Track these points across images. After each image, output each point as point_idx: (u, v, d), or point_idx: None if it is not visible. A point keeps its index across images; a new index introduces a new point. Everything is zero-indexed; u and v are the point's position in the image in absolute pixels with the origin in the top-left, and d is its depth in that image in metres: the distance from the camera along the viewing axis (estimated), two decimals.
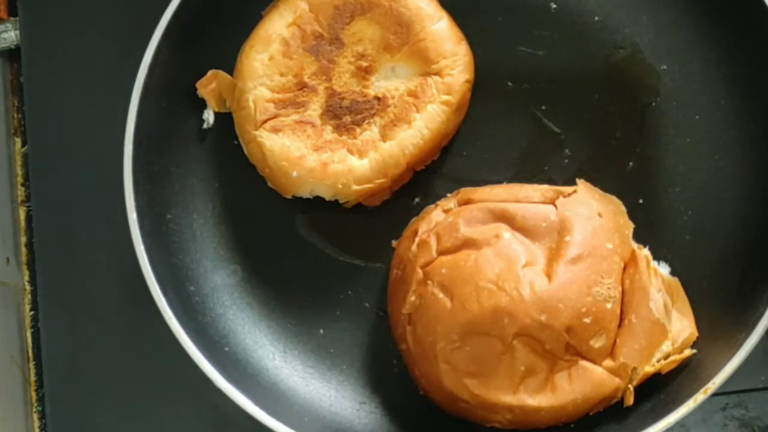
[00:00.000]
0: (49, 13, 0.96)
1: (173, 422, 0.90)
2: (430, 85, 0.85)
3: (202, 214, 0.88)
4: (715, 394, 0.77)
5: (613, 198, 0.84)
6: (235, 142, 0.88)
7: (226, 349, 0.85)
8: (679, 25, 0.86)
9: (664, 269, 0.83)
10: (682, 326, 0.80)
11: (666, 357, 0.79)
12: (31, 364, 0.94)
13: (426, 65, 0.85)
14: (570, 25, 0.88)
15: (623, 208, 0.83)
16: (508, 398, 0.77)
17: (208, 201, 0.88)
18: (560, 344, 0.76)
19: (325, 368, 0.86)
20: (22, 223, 0.96)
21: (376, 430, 0.84)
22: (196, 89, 0.87)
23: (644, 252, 0.81)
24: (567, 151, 0.87)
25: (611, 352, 0.78)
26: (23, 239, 0.96)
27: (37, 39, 0.96)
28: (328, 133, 0.85)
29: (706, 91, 0.86)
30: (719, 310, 0.82)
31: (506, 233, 0.78)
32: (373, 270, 0.87)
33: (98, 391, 0.91)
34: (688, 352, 0.80)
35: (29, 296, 0.95)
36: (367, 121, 0.85)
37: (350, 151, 0.85)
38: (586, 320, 0.76)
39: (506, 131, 0.87)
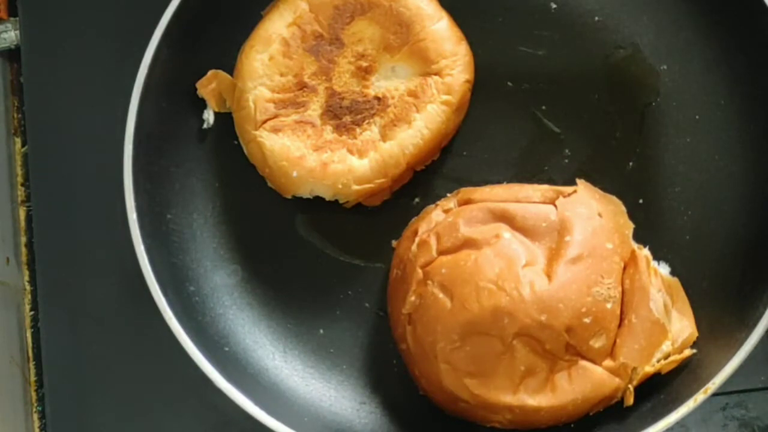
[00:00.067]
0: (49, 13, 0.96)
1: (173, 422, 0.90)
2: (430, 85, 0.85)
3: (202, 214, 0.88)
4: (715, 394, 0.77)
5: (613, 198, 0.84)
6: (235, 142, 0.88)
7: (226, 349, 0.85)
8: (679, 25, 0.86)
9: (664, 269, 0.83)
10: (682, 326, 0.80)
11: (666, 357, 0.79)
12: (31, 364, 0.94)
13: (426, 65, 0.85)
14: (570, 25, 0.88)
15: (623, 208, 0.83)
16: (508, 398, 0.77)
17: (208, 201, 0.88)
18: (560, 344, 0.76)
19: (325, 368, 0.86)
20: (22, 223, 0.96)
21: (376, 430, 0.84)
22: (196, 89, 0.87)
23: (644, 252, 0.81)
24: (567, 151, 0.87)
25: (611, 352, 0.78)
26: (23, 239, 0.96)
27: (37, 39, 0.96)
28: (328, 133, 0.85)
29: (706, 91, 0.86)
30: (719, 310, 0.82)
31: (506, 233, 0.78)
32: (373, 270, 0.87)
33: (98, 391, 0.91)
34: (688, 352, 0.80)
35: (29, 296, 0.95)
36: (367, 121, 0.85)
37: (350, 151, 0.85)
38: (586, 320, 0.76)
39: (506, 131, 0.87)
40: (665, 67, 0.87)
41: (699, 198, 0.85)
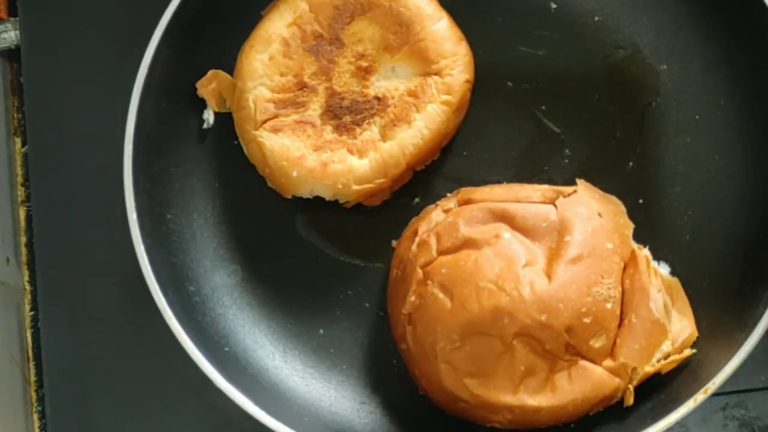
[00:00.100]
0: (49, 13, 0.96)
1: (173, 422, 0.90)
2: (430, 85, 0.85)
3: (202, 214, 0.88)
4: (715, 394, 0.77)
5: (613, 198, 0.84)
6: (235, 142, 0.88)
7: (226, 349, 0.85)
8: (679, 25, 0.86)
9: (664, 269, 0.83)
10: (682, 326, 0.80)
11: (666, 357, 0.79)
12: (31, 364, 0.94)
13: (426, 65, 0.85)
14: (570, 25, 0.88)
15: (623, 208, 0.83)
16: (508, 398, 0.77)
17: (208, 201, 0.88)
18: (560, 344, 0.76)
19: (325, 368, 0.86)
20: (22, 223, 0.96)
21: (376, 430, 0.84)
22: (196, 89, 0.87)
23: (644, 252, 0.81)
24: (567, 151, 0.87)
25: (611, 352, 0.78)
26: (23, 239, 0.96)
27: (37, 39, 0.96)
28: (328, 133, 0.85)
29: (706, 91, 0.86)
30: (719, 310, 0.82)
31: (506, 233, 0.78)
32: (373, 270, 0.87)
33: (98, 391, 0.91)
34: (688, 352, 0.80)
35: (29, 296, 0.95)
36: (367, 121, 0.85)
37: (350, 151, 0.85)
38: (586, 320, 0.76)
39: (506, 131, 0.87)
40: (665, 67, 0.87)
41: (699, 198, 0.85)
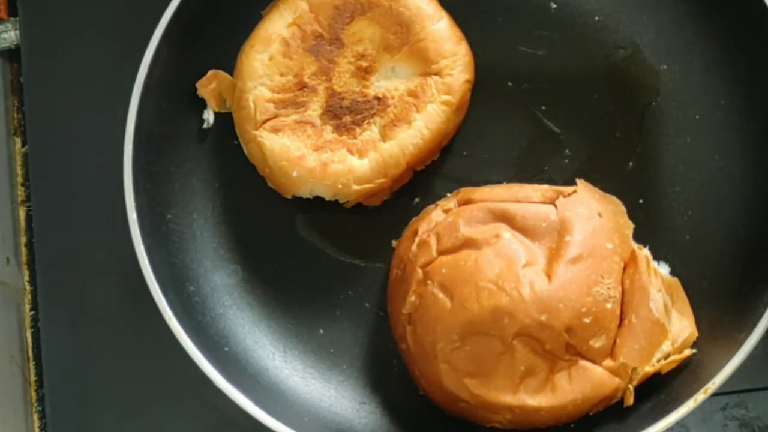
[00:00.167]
0: (49, 13, 0.96)
1: (173, 422, 0.90)
2: (430, 85, 0.85)
3: (202, 214, 0.88)
4: (715, 394, 0.77)
5: (613, 198, 0.84)
6: (235, 142, 0.88)
7: (226, 349, 0.85)
8: (679, 25, 0.86)
9: (664, 269, 0.83)
10: (682, 326, 0.80)
11: (666, 357, 0.79)
12: (31, 364, 0.94)
13: (426, 65, 0.85)
14: (570, 25, 0.88)
15: (623, 208, 0.83)
16: (508, 398, 0.77)
17: (208, 201, 0.88)
18: (560, 344, 0.76)
19: (325, 368, 0.86)
20: (22, 223, 0.96)
21: (376, 430, 0.84)
22: (196, 89, 0.87)
23: (644, 252, 0.81)
24: (567, 151, 0.87)
25: (611, 352, 0.78)
26: (23, 239, 0.96)
27: (37, 39, 0.96)
28: (328, 133, 0.85)
29: (706, 91, 0.86)
30: (719, 310, 0.82)
31: (506, 233, 0.78)
32: (373, 270, 0.87)
33: (98, 391, 0.91)
34: (688, 352, 0.80)
35: (29, 296, 0.95)
36: (367, 121, 0.85)
37: (350, 151, 0.85)
38: (586, 320, 0.76)
39: (506, 131, 0.87)
40: (665, 67, 0.87)
41: (699, 198, 0.85)
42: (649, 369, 0.78)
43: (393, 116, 0.85)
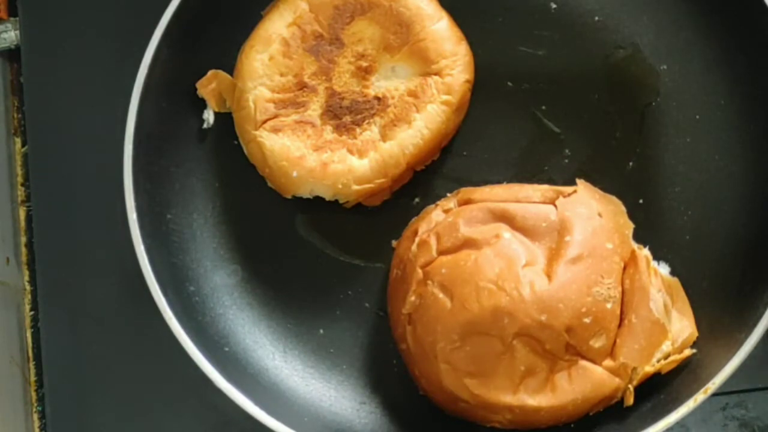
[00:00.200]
0: (49, 13, 0.96)
1: (173, 422, 0.90)
2: (430, 85, 0.85)
3: (202, 214, 0.88)
4: (715, 394, 0.77)
5: (613, 198, 0.84)
6: (235, 142, 0.88)
7: (226, 349, 0.85)
8: (679, 25, 0.86)
9: (664, 269, 0.83)
10: (682, 326, 0.80)
11: (666, 357, 0.79)
12: (31, 364, 0.94)
13: (426, 65, 0.85)
14: (570, 25, 0.88)
15: (623, 208, 0.83)
16: (508, 398, 0.77)
17: (208, 201, 0.88)
18: (560, 344, 0.76)
19: (325, 368, 0.86)
20: (22, 223, 0.96)
21: (376, 430, 0.84)
22: (196, 89, 0.87)
23: (644, 252, 0.81)
24: (567, 151, 0.87)
25: (611, 352, 0.78)
26: (23, 239, 0.96)
27: (37, 39, 0.96)
28: (328, 133, 0.85)
29: (706, 91, 0.86)
30: (719, 310, 0.82)
31: (506, 233, 0.78)
32: (373, 270, 0.87)
33: (98, 391, 0.91)
34: (688, 352, 0.80)
35: (29, 296, 0.95)
36: (367, 121, 0.85)
37: (350, 151, 0.85)
38: (586, 320, 0.76)
39: (506, 131, 0.87)
40: (665, 67, 0.87)
41: (699, 198, 0.85)
42: (649, 369, 0.78)
43: (393, 116, 0.85)
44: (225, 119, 0.88)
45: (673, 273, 0.83)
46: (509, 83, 0.88)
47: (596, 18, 0.87)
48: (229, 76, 0.87)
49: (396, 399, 0.85)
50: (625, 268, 0.79)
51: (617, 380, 0.78)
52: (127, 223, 0.82)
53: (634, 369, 0.78)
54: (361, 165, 0.84)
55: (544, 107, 0.87)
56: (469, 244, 0.78)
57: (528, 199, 0.81)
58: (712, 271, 0.84)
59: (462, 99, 0.85)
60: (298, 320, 0.87)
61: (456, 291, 0.77)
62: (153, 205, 0.85)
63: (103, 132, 0.89)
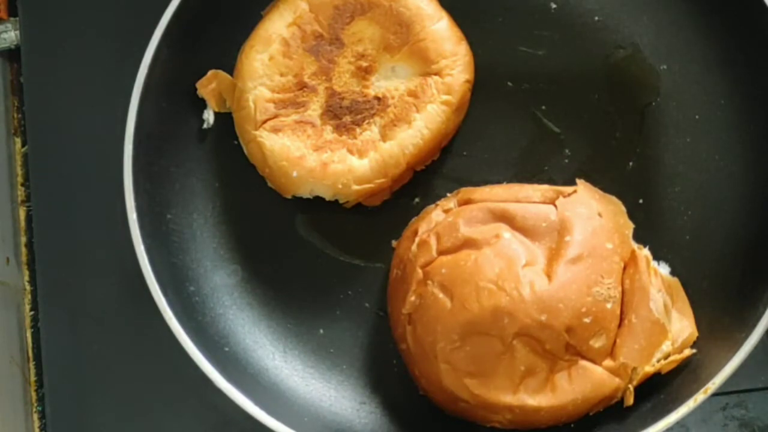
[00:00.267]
0: (49, 13, 0.96)
1: (173, 422, 0.90)
2: (430, 85, 0.85)
3: (202, 214, 0.88)
4: (715, 394, 0.77)
5: (613, 198, 0.84)
6: (235, 142, 0.88)
7: (226, 349, 0.85)
8: (679, 25, 0.86)
9: (664, 269, 0.83)
10: (682, 326, 0.80)
11: (666, 357, 0.79)
12: (31, 364, 0.94)
13: (426, 65, 0.85)
14: (570, 25, 0.88)
15: (623, 208, 0.83)
16: (508, 398, 0.77)
17: (208, 201, 0.88)
18: (560, 344, 0.76)
19: (325, 368, 0.86)
20: (22, 223, 0.96)
21: (376, 430, 0.84)
22: (196, 89, 0.87)
23: (644, 252, 0.81)
24: (567, 151, 0.87)
25: (611, 352, 0.78)
26: (23, 239, 0.96)
27: (37, 39, 0.96)
28: (328, 133, 0.85)
29: (706, 91, 0.86)
30: (719, 310, 0.82)
31: (506, 233, 0.78)
32: (373, 270, 0.87)
33: (98, 391, 0.91)
34: (688, 352, 0.80)
35: (29, 296, 0.95)
36: (367, 121, 0.85)
37: (350, 151, 0.85)
38: (586, 320, 0.76)
39: (506, 131, 0.87)
40: (665, 67, 0.87)
41: (699, 198, 0.85)
42: (649, 369, 0.78)
43: (393, 116, 0.85)
44: (225, 119, 0.88)
45: (673, 273, 0.84)
46: (509, 83, 0.88)
47: (596, 18, 0.87)
48: (229, 76, 0.87)
49: (396, 399, 0.85)
50: (625, 268, 0.79)
51: (617, 380, 0.78)
52: (127, 223, 0.82)
53: (634, 369, 0.78)
54: (361, 165, 0.84)
55: (544, 107, 0.87)
56: (469, 244, 0.78)
57: (528, 199, 0.81)
58: (712, 271, 0.84)
59: (462, 99, 0.85)
60: (298, 320, 0.87)
61: (456, 291, 0.77)
62: (153, 205, 0.85)
63: (103, 132, 0.89)
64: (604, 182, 0.85)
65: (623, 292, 0.78)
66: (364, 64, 0.86)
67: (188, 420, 0.90)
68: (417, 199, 0.88)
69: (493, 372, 0.77)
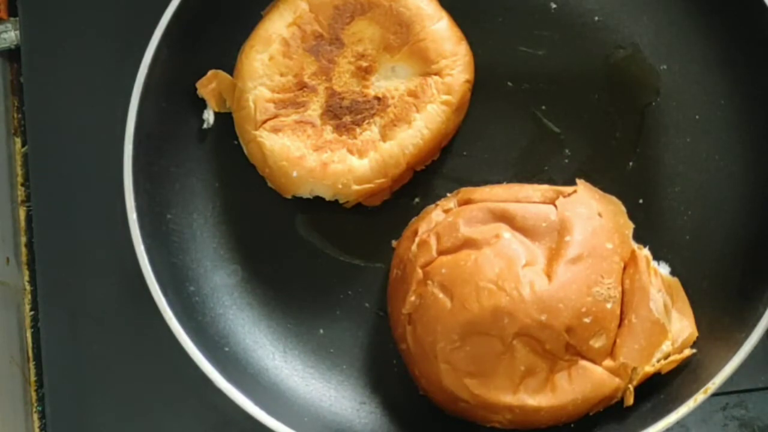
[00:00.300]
0: (49, 13, 0.96)
1: (173, 422, 0.90)
2: (430, 85, 0.85)
3: (202, 214, 0.88)
4: (715, 394, 0.77)
5: (613, 198, 0.84)
6: (235, 142, 0.88)
7: (226, 349, 0.85)
8: (679, 25, 0.86)
9: (664, 269, 0.83)
10: (682, 326, 0.80)
11: (666, 357, 0.79)
12: (31, 364, 0.94)
13: (426, 65, 0.85)
14: (570, 25, 0.88)
15: (623, 208, 0.83)
16: (508, 398, 0.77)
17: (208, 201, 0.88)
18: (560, 344, 0.76)
19: (325, 368, 0.86)
20: (22, 223, 0.96)
21: (376, 430, 0.84)
22: (196, 89, 0.87)
23: (644, 252, 0.81)
24: (567, 151, 0.87)
25: (611, 352, 0.78)
26: (23, 239, 0.96)
27: (37, 39, 0.96)
28: (328, 133, 0.85)
29: (706, 91, 0.86)
30: (719, 310, 0.82)
31: (506, 233, 0.78)
32: (373, 270, 0.87)
33: (98, 391, 0.91)
34: (688, 352, 0.80)
35: (29, 296, 0.95)
36: (367, 121, 0.85)
37: (350, 151, 0.85)
38: (586, 320, 0.76)
39: (506, 131, 0.87)
40: (665, 67, 0.87)
41: (699, 198, 0.85)
42: (649, 369, 0.78)
43: (393, 116, 0.85)
44: (225, 119, 0.88)
45: (673, 273, 0.83)
46: (509, 83, 0.88)
47: (596, 18, 0.87)
48: (229, 76, 0.87)
49: (396, 399, 0.85)
50: (625, 268, 0.79)
51: (617, 380, 0.78)
52: (127, 223, 0.82)
53: (634, 369, 0.78)
54: (361, 165, 0.84)
55: (544, 107, 0.87)
56: (469, 244, 0.78)
57: (528, 199, 0.81)
58: (712, 271, 0.84)
59: (462, 99, 0.85)
60: (298, 320, 0.87)
61: (456, 291, 0.77)
62: (153, 205, 0.85)
63: (103, 132, 0.89)
64: (604, 182, 0.85)
65: (623, 292, 0.78)
66: (364, 64, 0.86)
67: (188, 420, 0.90)
68: (417, 199, 0.87)
69: (493, 372, 0.77)
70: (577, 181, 0.83)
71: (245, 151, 0.87)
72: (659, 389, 0.80)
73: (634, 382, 0.78)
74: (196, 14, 0.85)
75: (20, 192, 0.96)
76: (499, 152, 0.87)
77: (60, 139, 0.94)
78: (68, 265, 0.93)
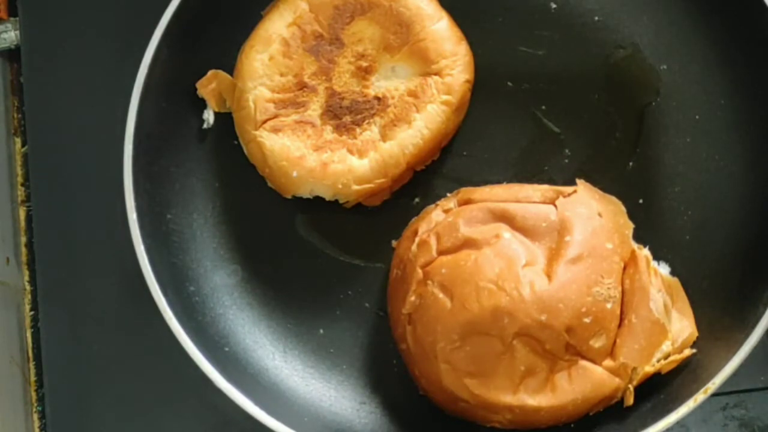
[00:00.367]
0: (49, 13, 0.96)
1: (173, 422, 0.90)
2: (430, 85, 0.85)
3: (202, 214, 0.88)
4: (715, 394, 0.77)
5: (613, 198, 0.84)
6: (235, 142, 0.88)
7: (226, 349, 0.85)
8: (679, 25, 0.86)
9: (664, 269, 0.83)
10: (682, 326, 0.80)
11: (666, 357, 0.79)
12: (31, 364, 0.94)
13: (426, 65, 0.85)
14: (570, 25, 0.88)
15: (623, 208, 0.83)
16: (508, 398, 0.77)
17: (208, 201, 0.88)
18: (560, 344, 0.76)
19: (325, 368, 0.86)
20: (22, 223, 0.96)
21: (376, 430, 0.84)
22: (196, 89, 0.87)
23: (644, 252, 0.81)
24: (567, 151, 0.87)
25: (611, 352, 0.78)
26: (23, 239, 0.96)
27: (37, 39, 0.96)
28: (328, 133, 0.85)
29: (706, 91, 0.86)
30: (719, 310, 0.82)
31: (506, 233, 0.78)
32: (373, 270, 0.87)
33: (98, 391, 0.91)
34: (688, 352, 0.80)
35: (29, 296, 0.95)
36: (367, 121, 0.85)
37: (350, 151, 0.85)
38: (586, 320, 0.76)
39: (506, 131, 0.87)
40: (665, 67, 0.87)
41: (699, 198, 0.85)
42: (649, 369, 0.78)
43: (393, 116, 0.85)
44: (225, 119, 0.88)
45: (673, 273, 0.84)
46: (509, 83, 0.88)
47: (596, 18, 0.87)
48: (229, 76, 0.87)
49: (396, 399, 0.85)
50: (625, 268, 0.79)
51: (617, 380, 0.78)
52: (127, 223, 0.82)
53: (634, 369, 0.78)
54: (361, 165, 0.84)
55: (544, 107, 0.87)
56: (469, 244, 0.78)
57: (528, 199, 0.81)
58: (712, 271, 0.84)
59: (462, 99, 0.85)
60: (298, 320, 0.87)
61: (456, 291, 0.77)
62: (153, 205, 0.85)
63: (103, 132, 0.89)
64: (604, 182, 0.85)
65: (623, 292, 0.78)
66: (364, 64, 0.86)
67: (188, 420, 0.90)
68: (417, 199, 0.88)
69: (493, 372, 0.77)
70: (577, 181, 0.83)
71: (245, 151, 0.87)
72: (659, 389, 0.80)
73: (634, 382, 0.78)
74: (196, 14, 0.85)
75: (20, 192, 0.96)
76: (499, 152, 0.87)
77: (60, 139, 0.94)
78: (68, 265, 0.93)
